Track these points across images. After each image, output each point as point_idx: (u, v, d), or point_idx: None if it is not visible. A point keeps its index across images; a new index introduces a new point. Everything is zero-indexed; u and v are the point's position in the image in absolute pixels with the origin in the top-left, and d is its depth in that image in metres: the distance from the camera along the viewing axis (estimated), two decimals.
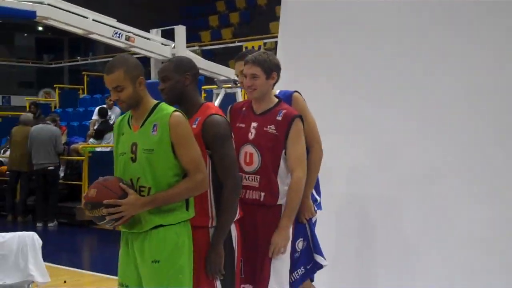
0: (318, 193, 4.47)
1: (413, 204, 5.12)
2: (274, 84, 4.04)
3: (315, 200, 4.37)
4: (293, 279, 4.22)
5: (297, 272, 4.24)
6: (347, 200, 5.42)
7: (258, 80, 3.93)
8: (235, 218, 3.72)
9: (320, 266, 4.33)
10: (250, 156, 3.94)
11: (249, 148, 3.95)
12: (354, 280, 5.33)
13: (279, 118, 3.94)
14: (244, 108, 4.09)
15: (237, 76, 4.43)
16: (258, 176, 3.91)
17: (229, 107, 4.19)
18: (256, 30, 19.79)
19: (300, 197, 3.95)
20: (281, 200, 3.95)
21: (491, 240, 4.78)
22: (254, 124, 3.98)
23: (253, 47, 17.03)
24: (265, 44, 17.27)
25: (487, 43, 4.86)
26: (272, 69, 3.96)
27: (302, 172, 3.93)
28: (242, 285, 3.97)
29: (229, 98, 10.15)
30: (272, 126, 3.94)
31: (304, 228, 4.24)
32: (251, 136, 3.97)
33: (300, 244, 4.24)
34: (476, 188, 4.88)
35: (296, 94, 4.29)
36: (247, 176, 3.93)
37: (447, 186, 4.98)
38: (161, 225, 3.39)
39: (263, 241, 3.92)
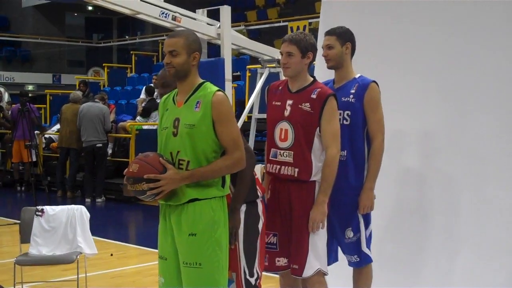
0: None
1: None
2: (310, 64, 4.12)
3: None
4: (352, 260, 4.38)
5: (352, 258, 4.38)
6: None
7: (293, 58, 4.03)
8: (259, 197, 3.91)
9: (370, 259, 4.41)
10: (285, 133, 4.04)
11: (284, 125, 4.06)
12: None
13: (314, 96, 4.03)
14: (280, 87, 4.20)
15: None
16: (292, 152, 4.01)
17: (266, 87, 4.29)
18: (301, 10, 19.71)
19: (335, 172, 4.02)
20: (315, 177, 4.03)
21: None
22: (289, 102, 4.08)
23: (298, 27, 17.02)
24: (310, 24, 17.20)
25: None
26: (308, 49, 4.04)
27: (336, 148, 4.02)
28: (276, 258, 4.11)
29: (273, 78, 10.20)
30: (307, 104, 4.03)
31: (356, 221, 4.32)
32: (286, 113, 4.07)
33: (348, 233, 4.33)
34: None
35: (373, 84, 4.33)
36: (281, 152, 4.04)
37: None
38: (197, 199, 3.52)
39: (298, 216, 4.03)
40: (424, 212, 5.22)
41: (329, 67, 4.42)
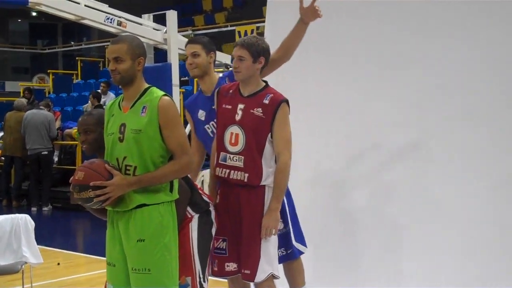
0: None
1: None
2: (262, 68, 4.10)
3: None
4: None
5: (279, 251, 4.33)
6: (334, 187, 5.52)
7: (245, 62, 4.00)
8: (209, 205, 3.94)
9: (300, 252, 4.46)
10: (235, 137, 4.02)
11: (235, 129, 4.02)
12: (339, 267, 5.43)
13: (266, 101, 4.01)
14: (231, 91, 4.16)
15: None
16: (243, 157, 3.98)
17: (216, 89, 4.26)
18: (249, 14, 19.74)
19: (287, 179, 4.03)
20: (265, 182, 4.02)
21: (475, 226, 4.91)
22: (241, 106, 4.05)
23: (246, 31, 17.05)
24: (258, 28, 17.22)
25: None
26: (259, 53, 4.02)
27: (289, 154, 4.01)
28: (226, 263, 4.08)
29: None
30: (259, 109, 4.01)
31: (285, 214, 4.31)
32: (237, 117, 4.04)
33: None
34: (461, 171, 4.99)
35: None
36: (232, 156, 4.01)
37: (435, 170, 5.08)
38: (145, 205, 3.50)
39: (248, 221, 4.01)
40: (370, 213, 5.29)
41: (194, 76, 4.47)
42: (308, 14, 4.39)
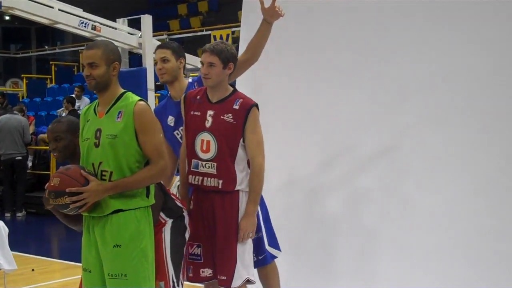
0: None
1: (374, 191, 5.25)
2: (230, 74, 4.11)
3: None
4: None
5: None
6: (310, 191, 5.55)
7: (215, 68, 3.99)
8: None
9: (273, 256, 4.48)
10: (207, 144, 4.00)
11: (206, 136, 4.01)
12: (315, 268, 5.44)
13: (236, 107, 4.01)
14: (198, 97, 4.13)
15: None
16: (215, 164, 3.97)
17: (182, 96, 4.23)
18: (224, 19, 19.81)
19: (263, 182, 4.04)
20: (239, 186, 4.03)
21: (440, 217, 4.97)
22: (210, 112, 4.04)
23: (221, 35, 17.08)
24: (233, 32, 17.30)
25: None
26: (229, 59, 4.02)
27: (262, 157, 4.02)
28: (201, 269, 4.07)
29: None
30: (230, 115, 4.00)
31: (258, 219, 4.26)
32: (207, 124, 4.02)
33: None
34: (436, 173, 5.03)
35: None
36: (204, 163, 4.00)
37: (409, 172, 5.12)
38: (121, 210, 3.49)
39: (222, 227, 4.01)
40: (345, 218, 5.32)
41: (164, 82, 4.48)
42: (270, 14, 4.43)
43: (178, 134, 4.41)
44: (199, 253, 4.07)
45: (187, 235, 3.97)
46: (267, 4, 4.43)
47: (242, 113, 4.00)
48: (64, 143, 3.80)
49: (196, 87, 4.35)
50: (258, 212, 4.23)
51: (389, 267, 5.09)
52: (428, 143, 5.04)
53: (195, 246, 4.07)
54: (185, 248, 3.97)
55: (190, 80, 4.57)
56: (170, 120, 4.44)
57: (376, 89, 5.27)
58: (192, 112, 4.10)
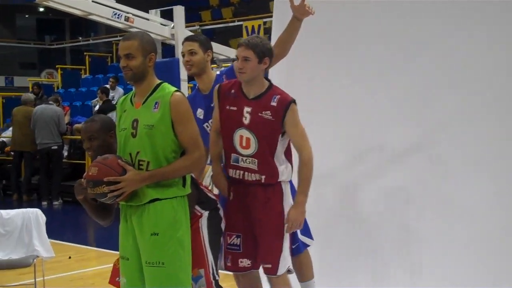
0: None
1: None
2: (266, 69, 4.07)
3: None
4: None
5: None
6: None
7: (250, 63, 3.95)
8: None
9: (306, 245, 4.51)
10: (246, 140, 3.99)
11: (244, 132, 3.99)
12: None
13: (274, 103, 3.97)
14: (233, 91, 4.10)
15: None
16: (256, 160, 3.97)
17: (216, 87, 4.20)
18: (256, 9, 19.73)
19: (312, 171, 4.01)
20: (280, 178, 4.03)
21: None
22: (248, 109, 4.00)
23: (253, 26, 17.06)
24: (265, 23, 17.23)
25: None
26: (264, 54, 3.97)
27: (309, 147, 4.01)
28: (240, 259, 4.09)
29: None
30: (268, 112, 3.96)
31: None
32: (245, 120, 4.00)
33: None
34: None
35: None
36: (244, 158, 4.00)
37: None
38: (158, 199, 3.55)
39: (267, 217, 4.01)
40: (386, 214, 5.28)
41: (192, 74, 4.48)
42: (300, 12, 4.42)
43: (207, 127, 4.40)
44: (238, 243, 4.09)
45: (222, 226, 4.02)
46: (297, 2, 4.43)
47: (280, 110, 3.97)
48: (98, 143, 3.83)
49: (224, 79, 4.35)
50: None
51: (430, 264, 5.05)
52: (463, 139, 4.97)
53: (234, 236, 4.08)
54: (222, 238, 4.03)
55: (218, 72, 4.58)
56: (200, 113, 4.45)
57: (408, 84, 5.21)
58: (228, 107, 4.07)
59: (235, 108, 4.05)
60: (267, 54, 4.00)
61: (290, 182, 4.22)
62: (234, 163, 4.04)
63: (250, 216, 4.05)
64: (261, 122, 3.97)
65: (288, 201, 4.08)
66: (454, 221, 4.98)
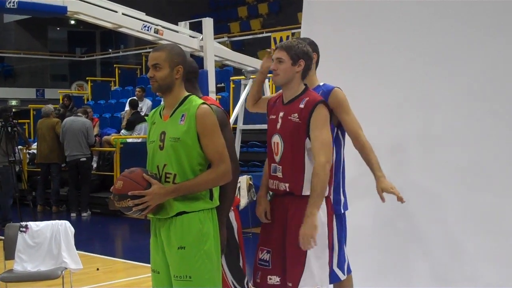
0: (343, 192, 4.34)
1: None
2: (303, 73, 3.93)
3: (339, 201, 4.26)
4: None
5: None
6: None
7: (283, 64, 3.88)
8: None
9: (337, 278, 4.28)
10: (276, 146, 3.92)
11: (276, 138, 3.93)
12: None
13: (302, 105, 3.85)
14: (277, 100, 4.06)
15: None
16: (281, 167, 3.88)
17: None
18: (284, 21, 19.77)
19: (324, 182, 3.75)
20: (308, 191, 3.80)
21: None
22: (281, 114, 3.94)
23: (281, 37, 17.08)
24: (293, 34, 17.25)
25: None
26: (299, 56, 3.88)
27: (325, 157, 3.76)
28: (269, 276, 3.94)
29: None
30: (296, 115, 3.85)
31: (332, 239, 4.04)
32: (278, 126, 3.94)
33: None
34: None
35: (335, 89, 4.19)
36: (277, 167, 3.91)
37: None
38: (185, 212, 3.52)
39: (293, 232, 3.80)
40: (407, 222, 5.23)
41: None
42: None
43: None
44: (267, 259, 3.95)
45: (236, 236, 3.95)
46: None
47: (306, 111, 3.84)
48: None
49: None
50: (333, 229, 4.03)
51: (457, 269, 5.00)
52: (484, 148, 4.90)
53: (265, 251, 3.97)
54: (256, 253, 3.94)
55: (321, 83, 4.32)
56: None
57: (443, 91, 5.15)
58: (270, 116, 4.04)
59: (274, 116, 4.01)
60: (301, 56, 3.91)
61: (336, 198, 4.11)
62: (273, 173, 3.96)
63: (281, 229, 3.93)
64: (288, 125, 3.88)
65: (319, 218, 3.79)
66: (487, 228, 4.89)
